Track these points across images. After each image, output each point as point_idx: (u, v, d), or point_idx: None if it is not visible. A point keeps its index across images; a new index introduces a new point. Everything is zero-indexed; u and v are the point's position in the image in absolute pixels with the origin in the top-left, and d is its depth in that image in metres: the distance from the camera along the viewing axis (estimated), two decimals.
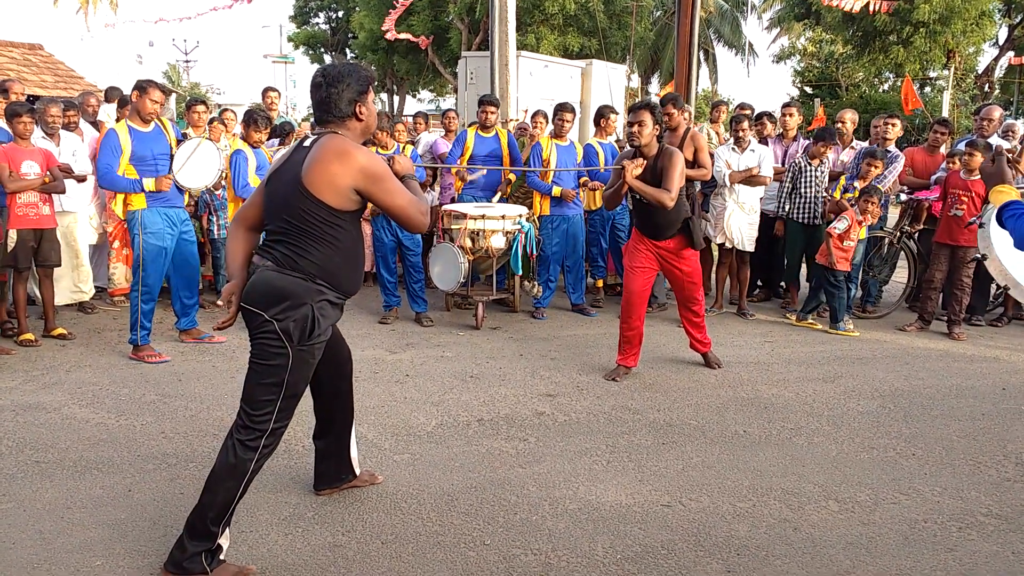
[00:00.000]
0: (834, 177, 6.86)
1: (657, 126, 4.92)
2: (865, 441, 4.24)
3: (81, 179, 6.24)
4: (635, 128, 4.88)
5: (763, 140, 7.39)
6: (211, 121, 7.35)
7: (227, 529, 2.85)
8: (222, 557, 2.83)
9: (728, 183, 6.78)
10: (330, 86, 2.79)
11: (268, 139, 7.06)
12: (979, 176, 6.30)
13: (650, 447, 4.10)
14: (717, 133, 7.96)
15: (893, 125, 7.10)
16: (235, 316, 2.91)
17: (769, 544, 3.15)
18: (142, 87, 5.26)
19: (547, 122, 7.52)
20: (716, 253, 7.34)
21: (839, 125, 7.47)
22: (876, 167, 6.51)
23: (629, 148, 5.05)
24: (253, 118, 6.31)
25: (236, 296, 2.87)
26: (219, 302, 2.91)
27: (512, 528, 3.24)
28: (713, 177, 6.70)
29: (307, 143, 2.81)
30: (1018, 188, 2.55)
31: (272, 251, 2.79)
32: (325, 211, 2.71)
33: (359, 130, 2.87)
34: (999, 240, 2.67)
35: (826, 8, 18.45)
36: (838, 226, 6.38)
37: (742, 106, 8.39)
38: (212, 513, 2.76)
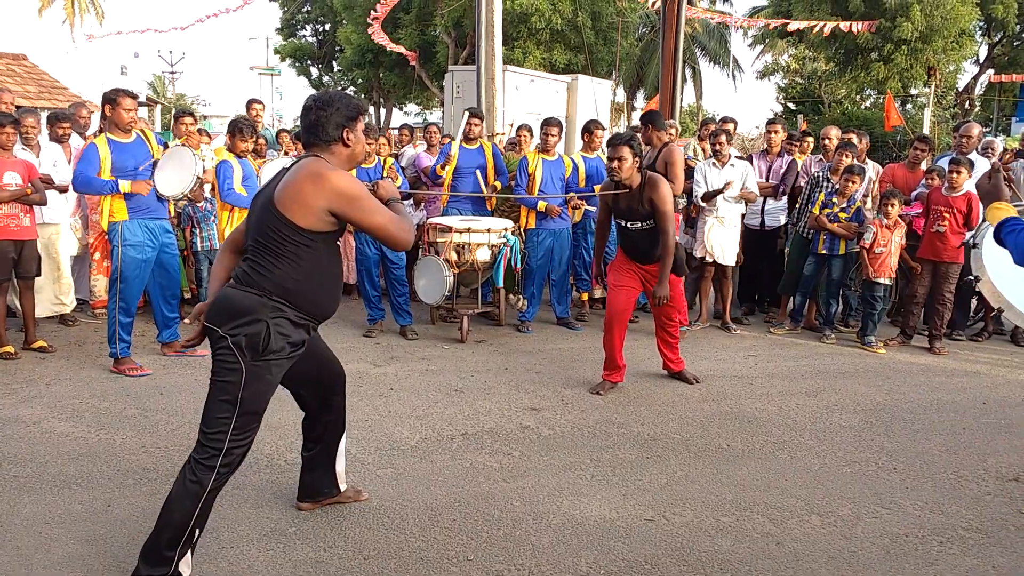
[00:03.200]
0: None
1: (638, 158, 4.95)
2: (847, 455, 4.27)
3: (62, 190, 6.20)
4: (615, 164, 4.91)
5: (748, 157, 7.47)
6: (198, 131, 7.34)
7: (188, 555, 2.78)
8: None
9: (701, 202, 6.84)
10: (319, 110, 2.82)
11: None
12: (961, 192, 6.39)
13: (634, 461, 4.11)
14: (703, 149, 8.02)
15: (848, 139, 7.38)
16: (201, 335, 2.89)
17: (752, 558, 3.16)
18: (111, 99, 5.16)
19: (531, 136, 7.57)
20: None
21: (825, 141, 7.58)
22: (854, 182, 6.59)
23: (609, 180, 5.08)
24: (238, 127, 6.28)
25: (203, 315, 2.86)
26: (186, 320, 2.91)
27: (495, 543, 3.23)
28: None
29: (289, 165, 2.85)
30: (1016, 206, 2.57)
31: (239, 268, 2.82)
32: (290, 229, 2.70)
33: (345, 156, 2.88)
34: (992, 262, 2.69)
35: (809, 25, 18.68)
36: (866, 237, 6.48)
37: (724, 120, 8.46)
38: (167, 536, 2.71)
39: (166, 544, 2.71)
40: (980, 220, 3.51)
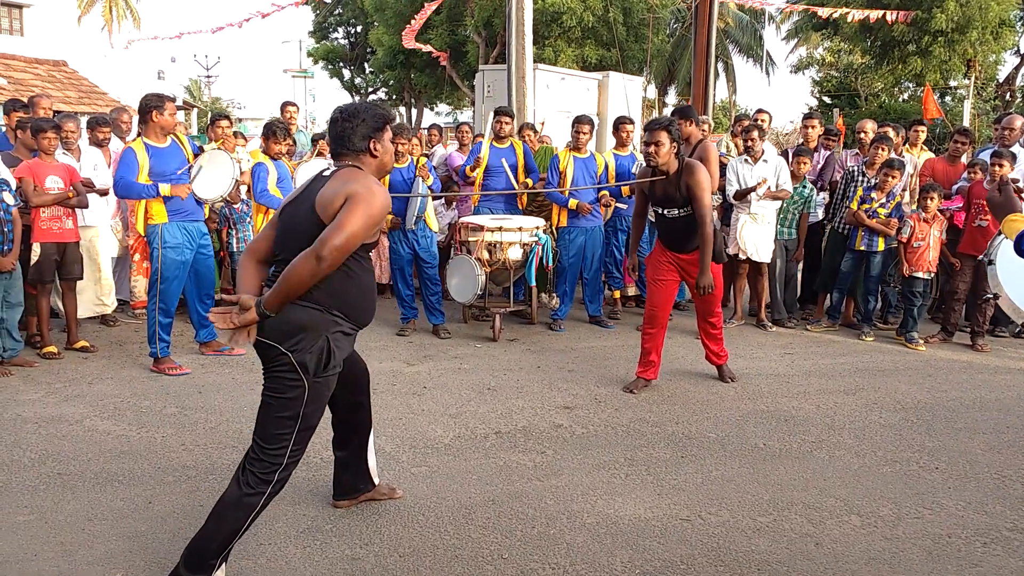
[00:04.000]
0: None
1: (675, 144, 4.87)
2: (887, 454, 4.19)
3: (103, 193, 6.32)
4: (651, 148, 4.82)
5: (783, 152, 7.37)
6: (234, 134, 7.45)
7: (223, 565, 2.80)
8: None
9: (733, 201, 6.77)
10: (345, 121, 2.83)
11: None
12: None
13: (669, 460, 4.07)
14: (737, 145, 7.93)
15: (884, 132, 7.22)
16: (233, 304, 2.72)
17: (790, 559, 3.11)
18: (158, 105, 5.24)
19: (534, 133, 7.60)
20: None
21: (860, 135, 7.45)
22: (894, 177, 6.47)
23: (646, 166, 5.02)
24: (272, 130, 6.36)
25: (254, 328, 2.71)
26: (221, 298, 2.84)
27: (530, 542, 3.22)
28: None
29: (326, 173, 2.83)
30: None
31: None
32: None
33: (374, 166, 2.88)
34: (1008, 276, 2.65)
35: (844, 17, 18.36)
36: (903, 231, 6.40)
37: (759, 111, 8.37)
38: (215, 544, 2.71)
39: (213, 553, 2.72)
40: (994, 235, 3.44)
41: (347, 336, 2.84)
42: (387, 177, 6.06)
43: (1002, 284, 2.69)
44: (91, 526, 3.31)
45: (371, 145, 2.85)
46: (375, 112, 2.87)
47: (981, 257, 2.92)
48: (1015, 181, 6.43)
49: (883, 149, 6.69)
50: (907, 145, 7.66)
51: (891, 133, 7.32)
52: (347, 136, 2.83)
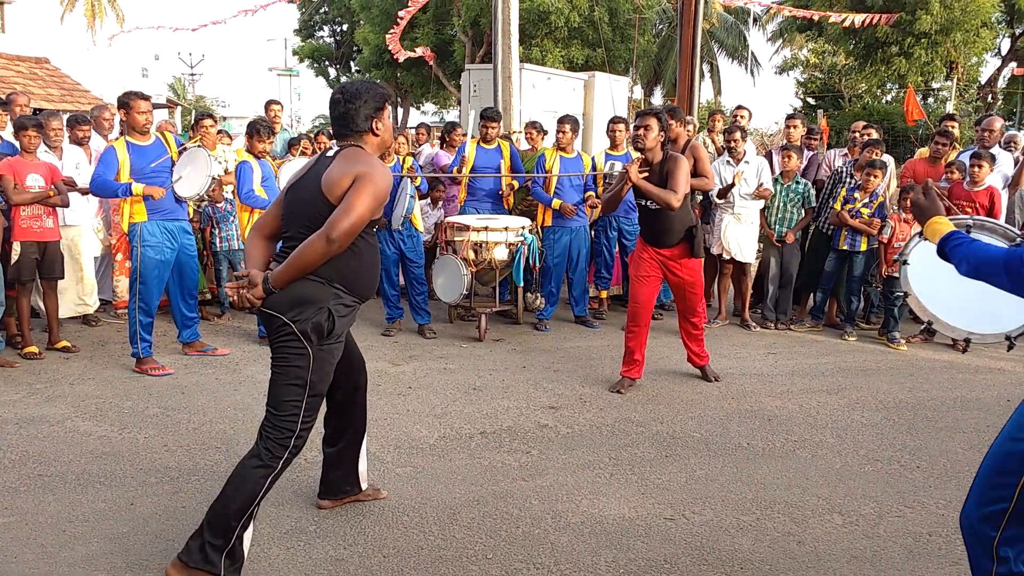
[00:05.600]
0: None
1: (663, 133, 4.97)
2: (869, 454, 4.23)
3: (85, 192, 6.26)
4: (640, 131, 4.94)
5: (767, 154, 7.41)
6: (218, 132, 7.41)
7: (249, 530, 2.87)
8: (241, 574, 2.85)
9: (716, 199, 6.80)
10: (348, 103, 2.90)
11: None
12: (983, 187, 6.31)
13: (653, 460, 4.09)
14: (714, 142, 7.97)
15: (869, 134, 7.22)
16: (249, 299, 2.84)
17: (773, 558, 3.13)
18: (124, 103, 5.18)
19: (538, 133, 7.58)
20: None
21: (854, 135, 7.52)
22: (877, 177, 6.52)
23: (635, 148, 5.12)
24: (256, 128, 6.33)
25: (261, 301, 2.83)
26: (235, 274, 2.92)
27: (515, 542, 3.23)
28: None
29: (329, 154, 2.92)
30: (953, 220, 2.56)
31: (287, 253, 2.86)
32: None
33: (375, 144, 2.99)
34: (919, 277, 2.77)
35: (827, 19, 18.49)
36: (884, 232, 6.44)
37: (739, 107, 8.42)
38: (236, 506, 2.78)
39: (234, 514, 2.79)
40: (910, 236, 3.59)
41: (348, 307, 2.92)
42: None
43: (911, 284, 2.78)
44: (72, 528, 3.28)
45: (373, 124, 2.94)
46: (376, 92, 2.95)
47: (896, 258, 3.01)
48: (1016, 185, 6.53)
49: (874, 176, 6.58)
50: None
51: (874, 134, 7.38)
52: (351, 117, 2.90)
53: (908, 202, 6.42)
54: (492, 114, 7.29)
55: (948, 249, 2.38)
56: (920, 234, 2.68)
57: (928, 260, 2.60)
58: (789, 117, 7.95)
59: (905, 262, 2.86)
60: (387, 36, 15.40)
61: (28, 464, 3.89)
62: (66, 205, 5.87)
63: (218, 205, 6.78)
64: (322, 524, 3.33)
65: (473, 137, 7.42)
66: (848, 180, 6.79)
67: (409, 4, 15.31)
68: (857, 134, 7.50)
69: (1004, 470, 2.26)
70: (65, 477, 3.75)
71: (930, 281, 2.72)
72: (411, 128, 15.07)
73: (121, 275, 6.84)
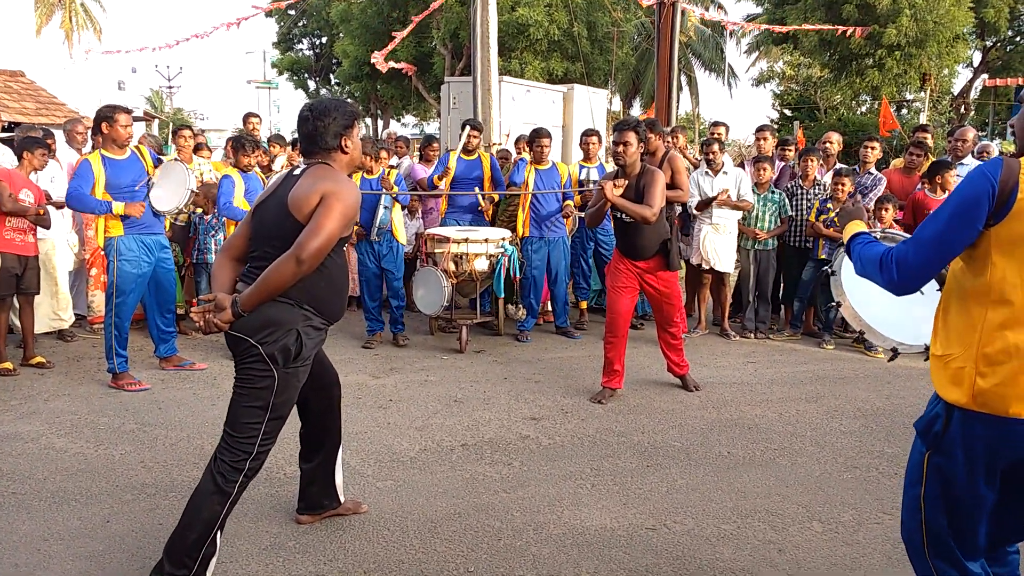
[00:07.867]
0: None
1: (641, 143, 5.00)
2: (848, 461, 4.26)
3: (59, 205, 6.20)
4: (620, 148, 4.95)
5: (740, 164, 7.48)
6: (196, 148, 7.37)
7: (213, 560, 2.81)
8: None
9: (695, 211, 6.85)
10: (317, 119, 2.87)
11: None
12: (945, 195, 6.40)
13: (635, 470, 4.09)
14: (685, 156, 8.02)
15: (872, 148, 7.26)
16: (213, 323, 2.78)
17: (754, 566, 3.14)
18: (108, 116, 5.14)
19: (529, 148, 7.62)
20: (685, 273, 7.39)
21: (826, 145, 7.61)
22: (844, 185, 6.60)
23: (615, 165, 5.12)
24: (241, 143, 6.33)
25: (230, 324, 2.78)
26: (199, 299, 2.87)
27: (496, 554, 3.21)
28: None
29: (296, 172, 2.88)
30: (881, 234, 2.59)
31: (253, 275, 2.80)
32: None
33: (344, 162, 2.95)
34: (850, 286, 2.76)
35: (803, 32, 18.75)
36: None
37: (715, 124, 8.48)
38: (193, 536, 2.73)
39: (192, 544, 2.73)
40: (836, 246, 3.58)
41: (317, 330, 2.88)
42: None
43: (845, 293, 2.79)
44: (47, 546, 3.23)
45: (342, 142, 2.91)
46: (345, 109, 2.92)
47: (824, 268, 3.02)
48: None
49: (842, 185, 6.61)
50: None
51: (835, 140, 7.54)
52: (319, 134, 2.87)
53: (883, 212, 6.49)
54: (476, 124, 7.33)
55: (850, 248, 2.41)
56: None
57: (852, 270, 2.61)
58: (759, 129, 8.02)
59: (833, 273, 2.86)
60: (376, 53, 15.41)
61: (2, 482, 3.83)
62: (48, 227, 5.85)
63: (205, 217, 6.76)
64: (302, 539, 3.30)
65: (451, 149, 7.45)
66: (819, 191, 6.88)
67: (410, 20, 15.41)
68: (828, 144, 7.59)
69: (910, 480, 2.29)
70: (39, 495, 3.69)
71: (862, 291, 2.72)
72: (383, 136, 15.00)
73: (97, 289, 6.77)
